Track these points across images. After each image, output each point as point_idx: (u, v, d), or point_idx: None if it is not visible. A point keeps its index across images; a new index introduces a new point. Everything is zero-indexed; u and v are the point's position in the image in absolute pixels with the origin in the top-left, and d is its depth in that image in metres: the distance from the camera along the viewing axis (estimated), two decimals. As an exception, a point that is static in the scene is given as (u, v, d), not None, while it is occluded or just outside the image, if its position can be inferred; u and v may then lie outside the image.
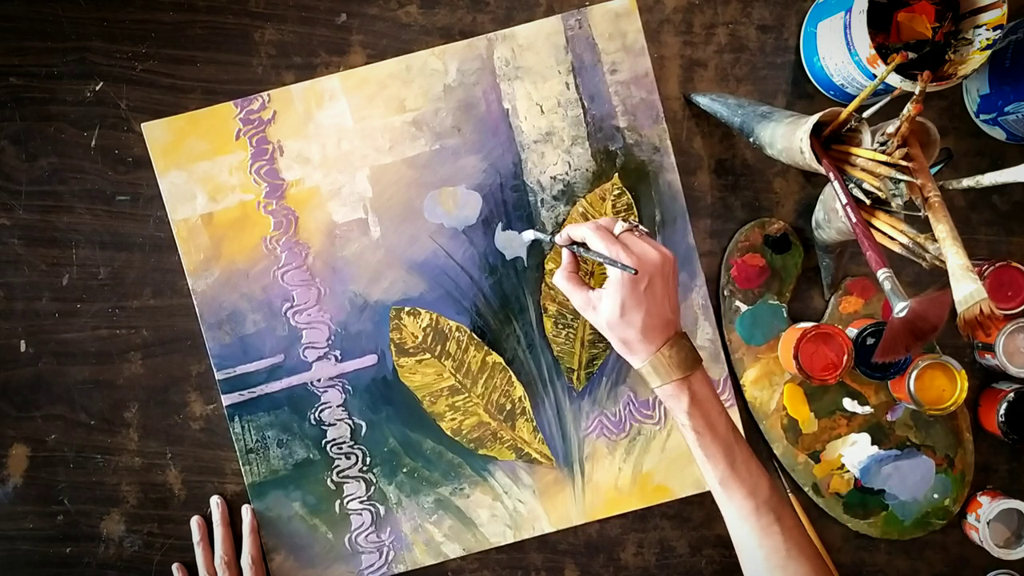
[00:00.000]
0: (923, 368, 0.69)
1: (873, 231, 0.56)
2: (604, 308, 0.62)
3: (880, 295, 0.74)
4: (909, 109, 0.53)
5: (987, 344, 0.72)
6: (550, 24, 0.73)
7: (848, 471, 0.74)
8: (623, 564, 0.76)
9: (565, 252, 0.67)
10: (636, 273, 0.60)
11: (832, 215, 0.65)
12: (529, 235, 0.72)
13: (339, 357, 0.73)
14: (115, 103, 0.73)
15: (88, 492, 0.74)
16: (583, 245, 0.65)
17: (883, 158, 0.55)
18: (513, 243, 0.73)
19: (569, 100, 0.74)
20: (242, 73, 0.73)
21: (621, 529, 0.75)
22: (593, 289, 0.64)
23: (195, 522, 0.73)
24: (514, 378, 0.74)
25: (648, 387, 0.74)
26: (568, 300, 0.67)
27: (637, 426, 0.74)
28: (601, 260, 0.62)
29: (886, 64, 0.60)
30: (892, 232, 0.56)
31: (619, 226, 0.64)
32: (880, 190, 0.55)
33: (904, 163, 0.54)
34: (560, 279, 0.66)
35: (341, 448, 0.74)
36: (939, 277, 0.74)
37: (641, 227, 0.65)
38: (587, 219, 0.74)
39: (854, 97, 0.59)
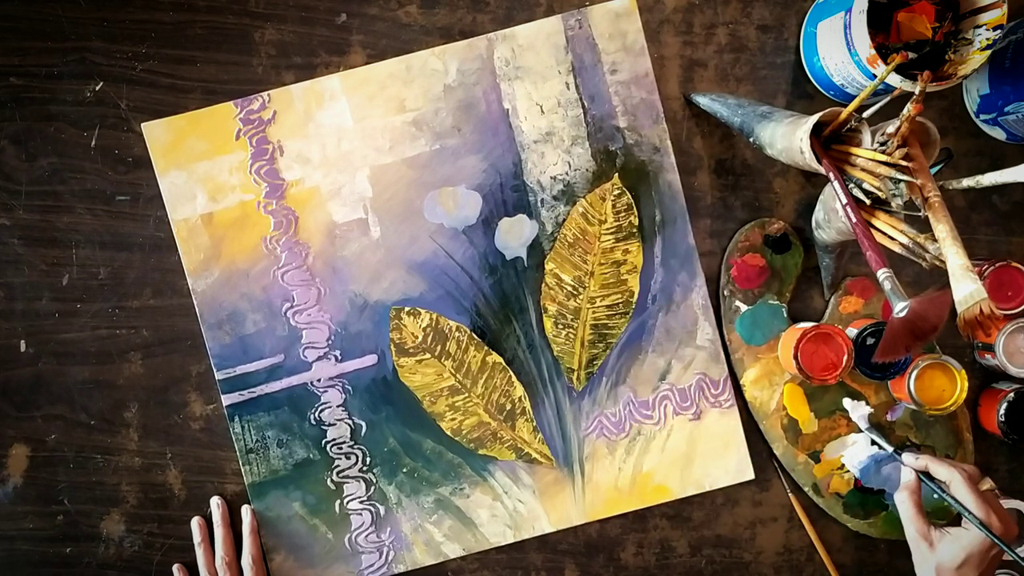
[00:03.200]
0: (923, 368, 0.69)
1: (873, 231, 0.56)
2: (945, 552, 0.61)
3: (880, 295, 0.74)
4: (909, 109, 0.53)
5: (987, 344, 0.72)
6: (550, 24, 0.73)
7: (848, 471, 0.74)
8: (623, 564, 0.76)
9: (911, 473, 0.64)
10: (1005, 547, 0.58)
11: (832, 215, 0.65)
12: (864, 432, 0.71)
13: (339, 357, 0.73)
14: (115, 103, 0.73)
15: (88, 492, 0.74)
16: (929, 475, 0.64)
17: (883, 158, 0.55)
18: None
19: (569, 100, 0.74)
20: (242, 73, 0.73)
21: (621, 529, 0.75)
22: (936, 527, 0.62)
23: (196, 523, 0.73)
24: (514, 378, 0.74)
25: (649, 388, 0.74)
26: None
27: (637, 426, 0.74)
28: (959, 509, 0.60)
29: (886, 64, 0.60)
30: (892, 232, 0.56)
31: (987, 482, 0.62)
32: (880, 190, 0.55)
33: (904, 163, 0.54)
34: (905, 498, 0.64)
35: (341, 448, 0.74)
36: (939, 277, 0.74)
37: (998, 491, 0.64)
38: (587, 220, 0.74)
39: (854, 97, 0.59)
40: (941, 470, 0.62)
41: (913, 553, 0.63)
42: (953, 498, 0.61)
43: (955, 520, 0.62)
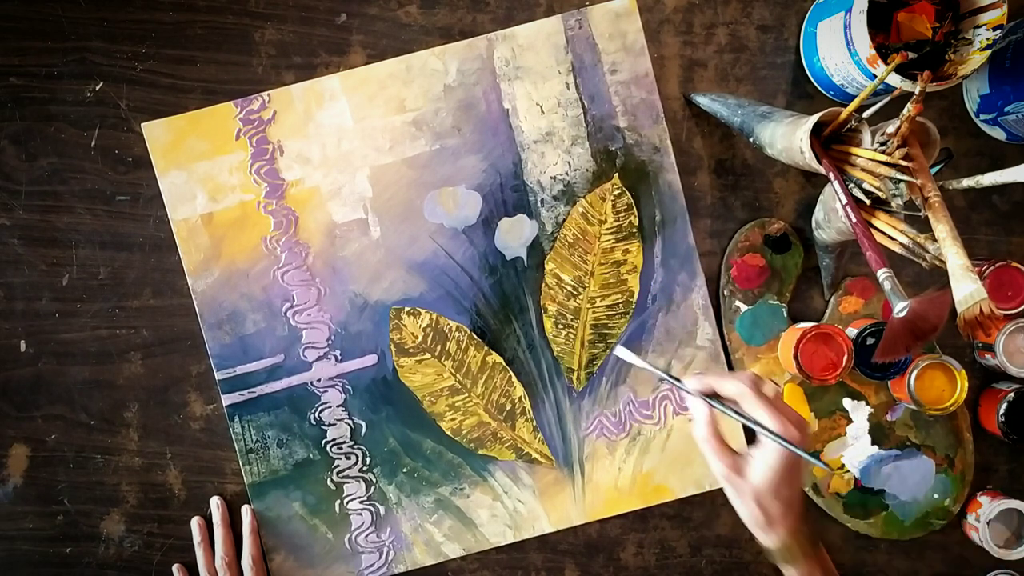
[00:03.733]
0: (923, 368, 0.69)
1: (873, 231, 0.56)
2: (756, 476, 0.54)
3: (880, 295, 0.74)
4: (909, 109, 0.53)
5: (987, 344, 0.72)
6: (550, 24, 0.73)
7: (848, 471, 0.74)
8: (623, 564, 0.76)
9: (698, 404, 0.56)
10: (809, 456, 0.52)
11: (832, 215, 0.65)
12: (632, 359, 0.59)
13: (339, 357, 0.73)
14: (115, 103, 0.73)
15: (88, 492, 0.74)
16: (717, 396, 0.56)
17: (883, 158, 0.55)
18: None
19: (569, 100, 0.74)
20: (242, 73, 0.73)
21: (621, 529, 0.75)
22: (739, 454, 0.55)
23: (196, 523, 0.73)
24: (514, 378, 0.74)
25: (649, 388, 0.74)
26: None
27: (637, 426, 0.74)
28: (752, 426, 0.53)
29: (886, 64, 0.60)
30: (892, 232, 0.56)
31: (770, 387, 0.55)
32: (880, 190, 0.55)
33: (904, 163, 0.54)
34: (704, 438, 0.55)
35: (341, 448, 0.74)
36: (939, 277, 0.73)
37: (779, 388, 0.56)
38: (587, 220, 0.74)
39: (854, 97, 0.59)
40: (728, 385, 0.54)
41: (728, 494, 0.56)
42: (746, 416, 0.54)
43: (750, 439, 0.56)
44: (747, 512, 0.55)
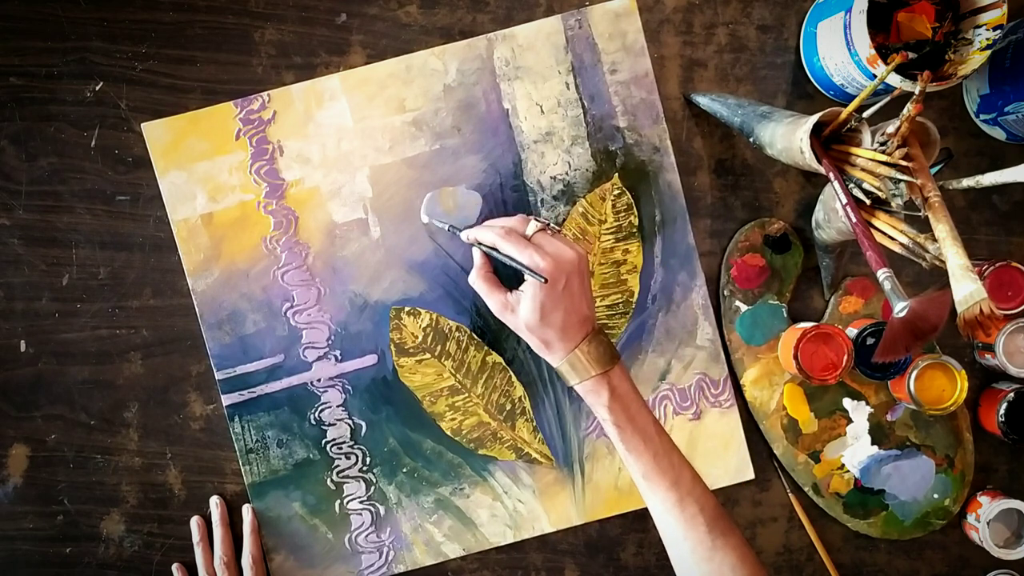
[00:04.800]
0: (923, 368, 0.69)
1: (873, 231, 0.56)
2: (523, 311, 0.62)
3: (880, 295, 0.74)
4: (909, 109, 0.53)
5: (987, 344, 0.72)
6: (550, 24, 0.73)
7: (848, 471, 0.74)
8: (623, 564, 0.76)
9: (477, 251, 0.66)
10: (546, 282, 0.60)
11: (832, 215, 0.65)
12: (425, 218, 0.71)
13: (339, 357, 0.73)
14: (115, 103, 0.73)
15: (88, 492, 0.74)
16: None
17: (883, 158, 0.55)
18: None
19: (569, 100, 0.74)
20: (242, 73, 0.73)
21: (621, 529, 0.75)
22: (510, 292, 0.64)
23: (195, 522, 0.73)
24: (514, 378, 0.74)
25: (649, 387, 0.74)
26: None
27: (637, 426, 0.74)
28: (514, 265, 0.61)
29: (886, 64, 0.60)
30: (892, 232, 0.56)
31: (531, 226, 0.63)
32: (880, 190, 0.55)
33: (904, 163, 0.54)
34: (475, 280, 0.66)
35: (341, 448, 0.74)
36: (939, 277, 0.74)
37: (552, 224, 0.65)
38: (587, 220, 0.74)
39: (854, 97, 0.59)
40: (484, 235, 0.64)
41: (510, 325, 0.65)
42: (507, 256, 0.62)
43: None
44: (529, 343, 0.64)
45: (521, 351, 0.74)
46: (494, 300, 0.64)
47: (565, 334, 0.62)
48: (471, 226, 0.68)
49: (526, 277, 0.61)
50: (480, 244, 0.65)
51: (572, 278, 0.61)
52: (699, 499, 0.60)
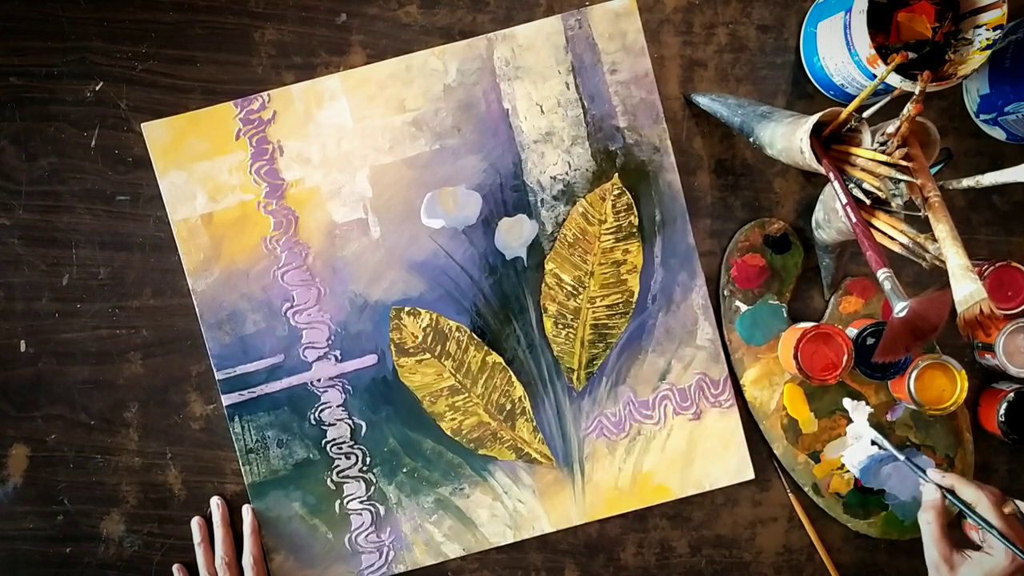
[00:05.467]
0: (923, 368, 0.69)
1: (873, 231, 0.56)
2: (967, 574, 0.58)
3: (880, 295, 0.74)
4: (909, 109, 0.53)
5: (987, 344, 0.72)
6: (550, 24, 0.73)
7: (848, 471, 0.74)
8: (623, 564, 0.76)
9: (937, 492, 0.62)
10: None
11: (832, 215, 0.65)
12: (870, 438, 0.69)
13: (339, 357, 0.73)
14: (115, 103, 0.73)
15: (88, 492, 0.74)
16: (952, 493, 0.61)
17: (883, 158, 0.55)
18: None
19: (569, 100, 0.74)
20: (242, 73, 0.73)
21: (621, 529, 0.75)
22: (958, 551, 0.60)
23: (196, 523, 0.73)
24: (514, 378, 0.74)
25: (649, 388, 0.74)
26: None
27: (637, 426, 0.74)
28: (995, 536, 0.58)
29: (886, 64, 0.60)
30: (892, 232, 0.56)
31: (1009, 505, 0.60)
32: (880, 190, 0.55)
33: (904, 163, 0.54)
34: (927, 523, 0.61)
35: (341, 448, 0.74)
36: (939, 277, 0.74)
37: (1019, 512, 0.61)
38: (587, 220, 0.74)
39: (854, 97, 0.59)
40: (968, 491, 0.60)
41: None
42: (981, 518, 0.59)
43: (976, 544, 0.60)
44: None
45: (521, 351, 0.74)
46: (940, 549, 0.60)
47: None
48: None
49: (987, 550, 0.58)
50: (945, 492, 0.62)
51: None
52: None
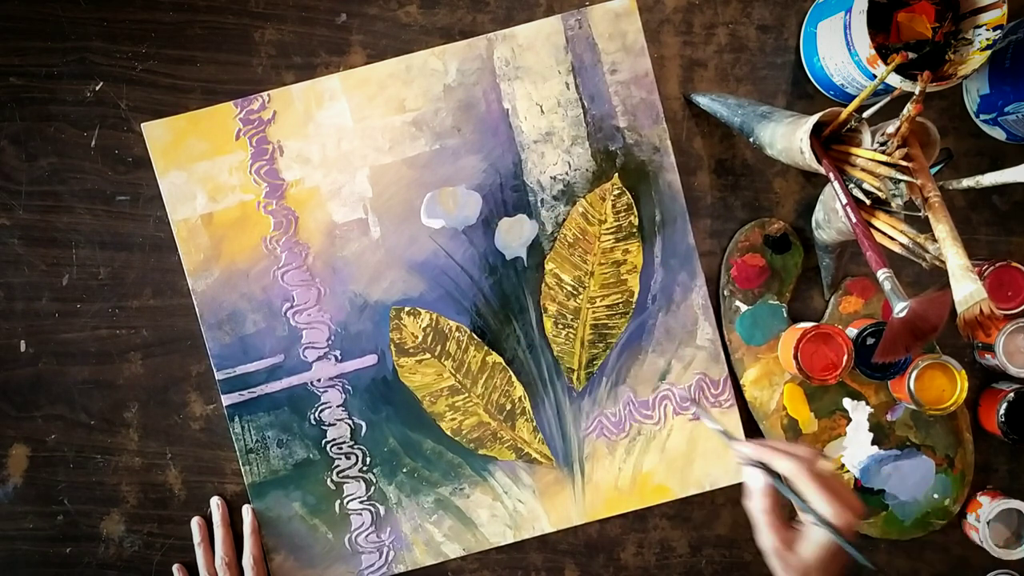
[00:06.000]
0: (923, 368, 0.69)
1: (873, 231, 0.56)
2: (807, 551, 0.53)
3: (880, 295, 0.74)
4: (909, 109, 0.53)
5: (987, 344, 0.72)
6: (550, 24, 0.73)
7: (848, 471, 0.74)
8: (623, 564, 0.76)
9: (759, 474, 0.55)
10: (864, 563, 0.51)
11: (832, 215, 0.65)
12: (709, 423, 0.65)
13: (339, 357, 0.73)
14: (115, 103, 0.73)
15: (88, 492, 0.74)
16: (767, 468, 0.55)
17: (883, 158, 0.55)
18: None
19: (569, 100, 0.74)
20: (242, 73, 0.73)
21: (621, 529, 0.75)
22: (794, 528, 0.54)
23: (196, 523, 0.73)
24: (514, 378, 0.74)
25: (649, 388, 0.74)
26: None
27: (637, 426, 0.74)
28: (809, 514, 0.52)
29: (886, 64, 0.60)
30: (892, 232, 0.56)
31: (823, 463, 0.54)
32: (880, 190, 0.55)
33: (904, 163, 0.54)
34: (758, 512, 0.55)
35: (341, 448, 0.74)
36: (939, 277, 0.74)
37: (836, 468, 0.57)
38: (587, 220, 0.74)
39: (854, 97, 0.59)
40: (779, 463, 0.54)
41: (774, 567, 0.54)
42: (794, 493, 0.54)
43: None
44: (783, 574, 0.54)
45: (521, 351, 0.74)
46: (776, 537, 0.54)
47: None
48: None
49: (815, 521, 0.53)
50: (762, 467, 0.55)
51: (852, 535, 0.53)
52: None
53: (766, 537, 0.54)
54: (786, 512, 0.55)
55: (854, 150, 0.57)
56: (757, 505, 0.55)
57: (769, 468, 0.55)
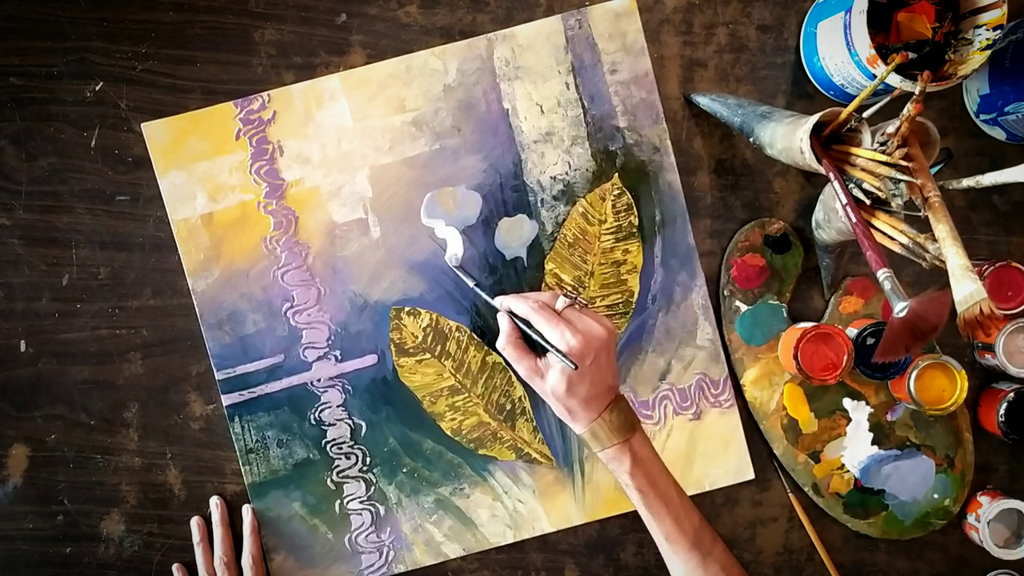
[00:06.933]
0: (923, 368, 0.69)
1: (873, 231, 0.56)
2: (551, 380, 0.63)
3: (880, 295, 0.74)
4: (909, 109, 0.53)
5: (987, 344, 0.72)
6: (550, 24, 0.73)
7: (848, 471, 0.74)
8: (623, 564, 0.76)
9: (504, 318, 0.67)
10: (576, 368, 0.61)
11: (832, 215, 0.65)
12: (453, 260, 0.72)
13: (339, 357, 0.73)
14: (115, 103, 0.73)
15: (88, 492, 0.74)
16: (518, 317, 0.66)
17: (883, 158, 0.55)
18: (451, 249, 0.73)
19: (569, 100, 0.74)
20: (242, 73, 0.73)
21: (621, 529, 0.75)
22: (540, 358, 0.65)
23: (195, 522, 0.73)
24: (514, 378, 0.74)
25: (649, 388, 0.74)
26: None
27: (637, 426, 0.74)
28: (544, 344, 0.63)
29: (886, 64, 0.60)
30: (892, 232, 0.56)
31: (560, 302, 0.64)
32: (880, 190, 0.55)
33: (904, 163, 0.54)
34: (503, 347, 0.66)
35: (341, 448, 0.74)
36: (939, 277, 0.73)
37: (581, 299, 0.66)
38: (587, 220, 0.74)
39: (854, 97, 0.59)
40: (518, 306, 0.65)
41: (536, 390, 0.66)
42: (538, 334, 0.63)
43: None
44: (552, 407, 0.66)
45: (521, 351, 0.74)
46: (523, 366, 0.65)
47: (589, 404, 0.63)
48: (493, 291, 0.71)
49: (553, 355, 0.62)
50: (512, 313, 0.66)
51: (600, 353, 0.62)
52: (720, 558, 0.63)
53: (518, 367, 0.66)
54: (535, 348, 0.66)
55: (854, 150, 0.57)
56: (502, 343, 0.66)
57: (516, 314, 0.66)
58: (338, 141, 0.73)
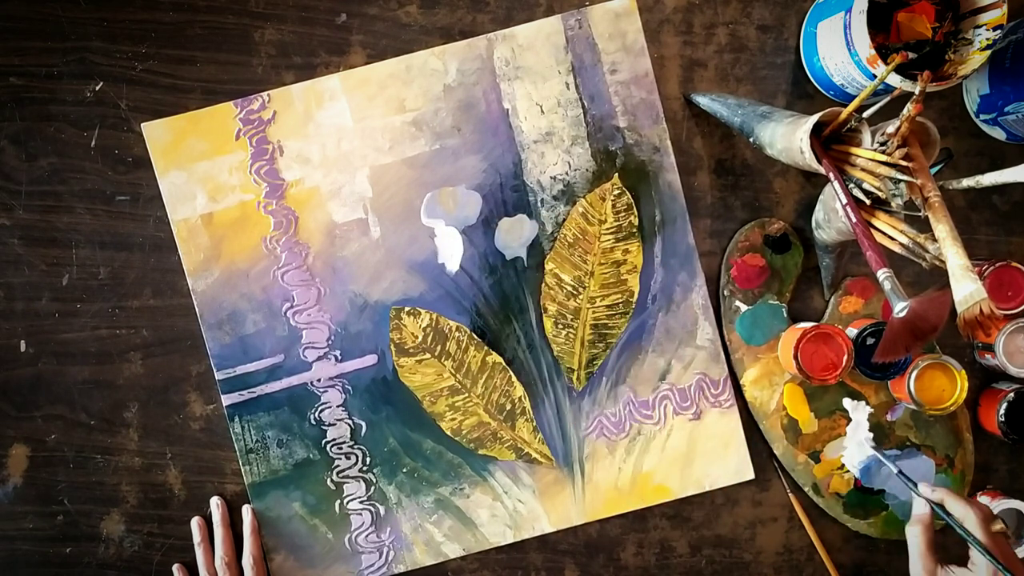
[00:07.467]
0: (923, 368, 0.69)
1: (873, 231, 0.56)
2: None
3: (880, 295, 0.74)
4: (909, 109, 0.53)
5: (987, 344, 0.72)
6: (550, 24, 0.73)
7: (848, 471, 0.74)
8: (623, 564, 0.76)
9: (925, 507, 0.61)
10: None
11: (832, 215, 0.65)
12: (869, 448, 0.70)
13: (339, 357, 0.73)
14: (115, 103, 0.73)
15: (88, 492, 0.74)
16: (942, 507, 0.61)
17: (883, 158, 0.55)
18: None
19: (569, 100, 0.74)
20: (242, 73, 0.73)
21: (621, 529, 0.75)
22: (943, 567, 0.60)
23: (195, 523, 0.73)
24: (514, 378, 0.74)
25: (649, 387, 0.74)
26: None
27: (637, 426, 0.74)
28: (980, 552, 0.57)
29: (886, 64, 0.60)
30: (892, 232, 0.56)
31: (998, 524, 0.59)
32: (880, 190, 0.55)
33: (904, 163, 0.54)
34: (914, 535, 0.61)
35: (341, 448, 0.74)
36: (939, 277, 0.74)
37: (1007, 532, 0.61)
38: (587, 220, 0.74)
39: (854, 97, 0.59)
40: (956, 506, 0.60)
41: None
42: (968, 533, 0.58)
43: (960, 560, 0.60)
44: None
45: (521, 351, 0.74)
46: (924, 563, 0.60)
47: None
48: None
49: (970, 567, 0.58)
50: (942, 510, 0.61)
51: None
52: None
53: (917, 564, 0.60)
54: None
55: (854, 150, 0.57)
56: (915, 529, 0.61)
57: (942, 507, 0.60)
58: (338, 141, 0.73)
